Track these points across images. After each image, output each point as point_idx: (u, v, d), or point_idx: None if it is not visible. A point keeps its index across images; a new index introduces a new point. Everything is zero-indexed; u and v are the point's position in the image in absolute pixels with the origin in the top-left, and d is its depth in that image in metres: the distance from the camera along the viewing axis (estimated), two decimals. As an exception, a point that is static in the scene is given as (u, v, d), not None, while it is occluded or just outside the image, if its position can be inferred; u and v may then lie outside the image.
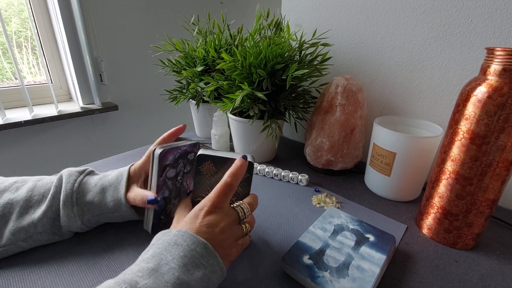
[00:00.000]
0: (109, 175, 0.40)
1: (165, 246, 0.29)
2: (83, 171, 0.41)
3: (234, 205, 0.35)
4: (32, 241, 0.37)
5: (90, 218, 0.39)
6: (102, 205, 0.38)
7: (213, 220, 0.31)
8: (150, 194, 0.37)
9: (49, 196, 0.37)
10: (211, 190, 0.35)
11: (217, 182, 0.35)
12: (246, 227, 0.35)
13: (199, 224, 0.31)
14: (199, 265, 0.28)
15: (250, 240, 0.40)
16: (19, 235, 0.35)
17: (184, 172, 0.42)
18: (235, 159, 0.35)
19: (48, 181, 0.39)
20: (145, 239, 0.40)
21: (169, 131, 0.44)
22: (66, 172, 0.39)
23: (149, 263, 0.27)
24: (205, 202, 0.33)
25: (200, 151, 0.36)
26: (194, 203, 0.37)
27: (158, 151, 0.37)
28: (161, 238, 0.30)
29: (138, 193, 0.37)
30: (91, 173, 0.42)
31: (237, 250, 0.34)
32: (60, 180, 0.38)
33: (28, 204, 0.36)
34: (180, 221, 0.33)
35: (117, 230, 0.42)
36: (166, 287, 0.25)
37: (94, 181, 0.40)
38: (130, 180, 0.40)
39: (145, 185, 0.41)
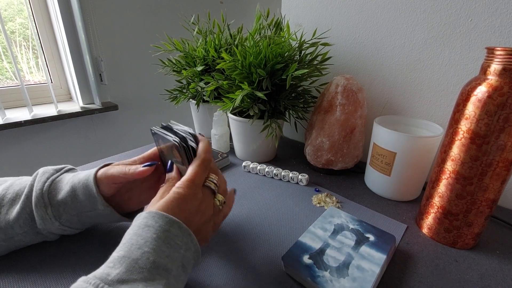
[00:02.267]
0: (82, 172, 0.37)
1: (135, 230, 0.26)
2: (61, 169, 0.38)
3: (205, 183, 0.33)
4: (15, 241, 0.34)
5: (69, 218, 0.35)
6: (77, 204, 0.35)
7: (189, 199, 0.30)
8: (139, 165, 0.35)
9: (23, 196, 0.34)
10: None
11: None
12: (219, 200, 0.34)
13: (171, 202, 0.29)
14: (173, 245, 0.26)
15: (234, 195, 0.39)
16: None
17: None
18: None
19: (26, 179, 0.36)
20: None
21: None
22: (41, 171, 0.36)
23: (120, 251, 0.25)
24: (183, 181, 0.31)
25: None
26: None
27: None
28: (132, 224, 0.28)
29: (121, 166, 0.35)
30: (70, 171, 0.38)
31: (212, 229, 0.33)
32: (35, 178, 0.35)
33: (1, 203, 0.34)
34: (154, 202, 0.31)
35: (117, 229, 0.42)
36: (142, 273, 0.23)
37: (67, 179, 0.36)
38: (103, 174, 0.36)
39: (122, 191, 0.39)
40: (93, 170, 0.36)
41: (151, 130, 0.38)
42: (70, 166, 0.39)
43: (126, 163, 0.37)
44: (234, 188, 0.39)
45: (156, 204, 0.29)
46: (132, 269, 0.23)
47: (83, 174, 0.36)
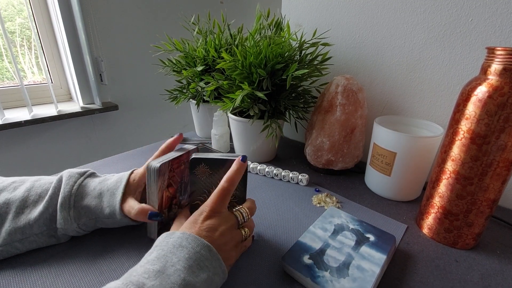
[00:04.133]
0: (109, 180, 0.40)
1: (170, 249, 0.29)
2: (84, 173, 0.40)
3: (234, 210, 0.36)
4: (28, 242, 0.36)
5: (86, 222, 0.38)
6: (98, 210, 0.38)
7: (212, 224, 0.32)
8: (150, 208, 0.36)
9: (47, 197, 0.36)
10: (208, 192, 0.36)
11: (214, 184, 0.36)
12: (245, 231, 0.36)
13: (198, 228, 0.32)
14: (203, 267, 0.28)
15: (252, 241, 0.41)
16: (15, 236, 0.35)
17: (187, 179, 0.42)
18: (229, 160, 0.35)
19: (46, 181, 0.38)
20: (145, 239, 0.40)
21: (166, 143, 0.42)
22: (66, 174, 0.39)
23: (155, 265, 0.27)
24: (204, 207, 0.33)
25: (194, 155, 0.36)
26: (192, 206, 0.38)
27: (156, 166, 0.35)
28: (164, 240, 0.30)
29: (133, 206, 0.36)
30: (92, 175, 0.41)
31: (236, 253, 0.35)
32: (59, 181, 0.38)
33: (24, 204, 0.36)
34: (178, 226, 0.34)
35: (117, 231, 0.42)
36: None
37: (93, 185, 0.39)
38: (128, 188, 0.38)
39: (143, 196, 0.40)
40: (123, 182, 0.38)
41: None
42: (91, 171, 0.42)
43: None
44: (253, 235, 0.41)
45: (192, 227, 0.32)
46: (165, 283, 0.26)
47: (111, 182, 0.39)
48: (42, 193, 0.37)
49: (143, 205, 0.36)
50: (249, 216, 0.37)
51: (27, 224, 0.35)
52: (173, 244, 0.29)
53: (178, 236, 0.30)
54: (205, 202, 0.34)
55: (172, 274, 0.27)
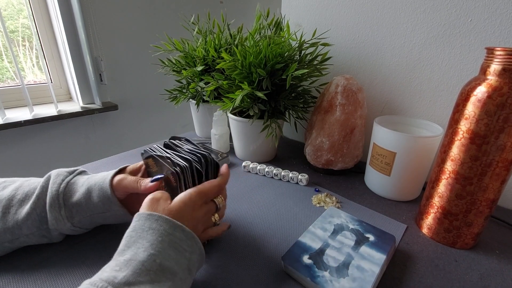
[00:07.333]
0: (97, 175, 0.39)
1: (139, 234, 0.27)
2: (73, 171, 0.39)
3: (214, 199, 0.36)
4: (19, 243, 0.35)
5: (81, 220, 0.36)
6: (90, 206, 0.36)
7: (196, 207, 0.32)
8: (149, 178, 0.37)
9: (34, 197, 0.35)
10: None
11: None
12: (215, 219, 0.36)
13: (178, 208, 0.30)
14: (180, 249, 0.27)
15: (228, 229, 0.40)
16: (4, 236, 0.34)
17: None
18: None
19: (35, 181, 0.37)
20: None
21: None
22: (54, 172, 0.37)
23: (125, 254, 0.25)
24: (196, 190, 0.33)
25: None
26: None
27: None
28: (132, 225, 0.29)
29: (134, 179, 0.37)
30: (82, 173, 0.40)
31: (203, 227, 0.34)
32: (47, 180, 0.36)
33: (10, 203, 0.34)
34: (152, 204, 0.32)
35: (117, 229, 0.42)
36: (148, 275, 0.24)
37: (81, 181, 0.37)
38: (117, 182, 0.38)
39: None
40: (109, 175, 0.38)
41: (143, 152, 0.40)
42: (82, 169, 0.41)
43: (137, 170, 0.41)
44: (229, 224, 0.40)
45: (159, 206, 0.30)
46: (139, 271, 0.24)
47: (99, 177, 0.38)
48: (29, 192, 0.35)
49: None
50: (223, 202, 0.36)
51: (15, 225, 0.34)
52: (141, 228, 0.27)
53: (146, 218, 0.28)
54: (197, 186, 0.33)
55: (145, 259, 0.24)
